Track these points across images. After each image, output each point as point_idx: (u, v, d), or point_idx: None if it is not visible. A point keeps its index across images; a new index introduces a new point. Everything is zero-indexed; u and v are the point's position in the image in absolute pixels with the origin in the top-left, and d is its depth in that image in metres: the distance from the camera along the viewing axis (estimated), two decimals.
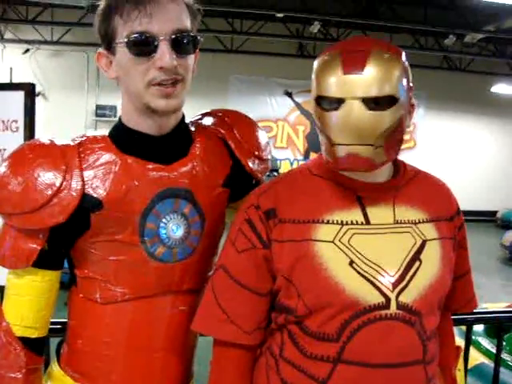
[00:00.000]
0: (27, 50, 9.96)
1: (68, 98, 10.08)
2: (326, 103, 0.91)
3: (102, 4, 0.98)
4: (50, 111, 9.38)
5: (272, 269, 0.96)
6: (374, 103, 0.88)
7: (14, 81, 8.89)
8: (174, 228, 1.03)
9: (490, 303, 3.88)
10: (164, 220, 1.02)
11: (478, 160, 12.16)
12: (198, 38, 1.00)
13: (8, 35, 10.02)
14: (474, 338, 3.33)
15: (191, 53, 0.99)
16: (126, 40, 0.94)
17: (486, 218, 11.42)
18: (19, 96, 1.90)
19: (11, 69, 9.75)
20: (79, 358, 1.07)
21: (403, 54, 0.94)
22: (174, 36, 0.94)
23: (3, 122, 1.93)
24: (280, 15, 9.16)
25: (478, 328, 3.42)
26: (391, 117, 0.89)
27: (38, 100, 9.62)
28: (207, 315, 1.00)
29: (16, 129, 1.91)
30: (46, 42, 10.02)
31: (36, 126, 1.95)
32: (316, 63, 0.94)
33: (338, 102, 0.89)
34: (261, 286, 0.98)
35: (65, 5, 8.58)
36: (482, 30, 9.26)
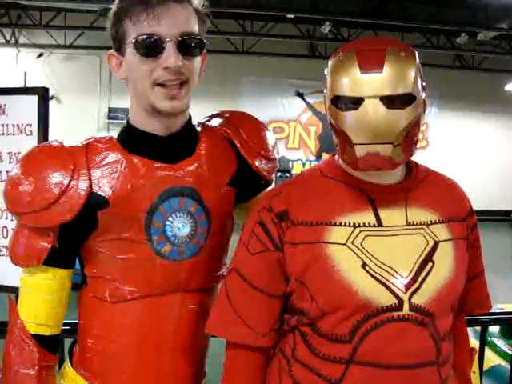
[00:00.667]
0: (41, 55, 10.10)
1: (81, 101, 10.18)
2: (344, 103, 0.91)
3: (113, 7, 1.01)
4: (63, 114, 9.48)
5: (285, 271, 0.97)
6: (392, 102, 0.88)
7: (28, 85, 9.02)
8: (180, 226, 1.05)
9: (505, 304, 3.84)
10: (170, 218, 1.04)
11: (491, 159, 12.03)
12: (205, 41, 1.02)
13: (22, 40, 10.16)
14: (489, 339, 3.30)
15: (197, 55, 1.01)
16: (134, 41, 0.97)
17: (499, 218, 11.30)
18: (33, 100, 1.92)
19: (25, 73, 9.89)
20: (90, 357, 1.09)
21: (416, 53, 0.94)
22: (180, 38, 0.97)
23: (18, 126, 1.96)
24: (290, 16, 9.16)
25: (494, 329, 3.38)
26: (410, 115, 0.90)
27: (52, 103, 9.71)
28: (221, 318, 1.01)
29: (30, 132, 1.94)
30: (59, 46, 10.15)
31: (49, 129, 1.98)
32: (330, 64, 0.94)
33: (357, 102, 0.89)
34: (274, 288, 0.98)
35: (78, 9, 8.68)
36: (495, 27, 9.17)
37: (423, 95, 0.94)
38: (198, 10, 1.02)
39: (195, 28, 1.01)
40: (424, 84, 0.94)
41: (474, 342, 2.17)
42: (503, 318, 2.03)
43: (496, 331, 3.41)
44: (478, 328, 1.92)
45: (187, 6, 1.00)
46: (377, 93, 0.87)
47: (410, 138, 0.92)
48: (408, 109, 0.89)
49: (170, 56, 0.95)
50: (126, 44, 0.99)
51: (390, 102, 0.88)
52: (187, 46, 0.98)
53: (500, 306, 3.61)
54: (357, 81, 0.88)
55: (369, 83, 0.87)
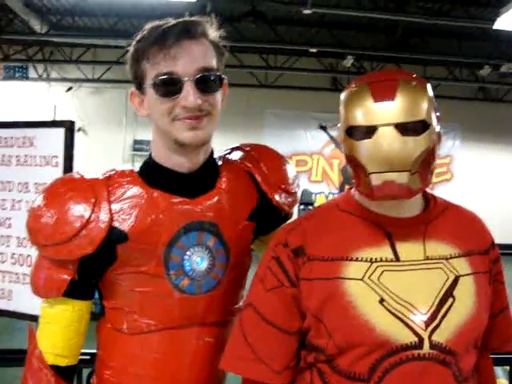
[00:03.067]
0: (70, 88, 10.43)
1: (107, 133, 10.42)
2: (358, 133, 0.91)
3: (131, 49, 1.03)
4: (89, 146, 9.71)
5: (301, 307, 0.95)
6: (406, 129, 0.88)
7: (58, 117, 9.30)
8: (198, 260, 1.05)
9: None
10: (188, 252, 1.04)
11: None
12: (223, 76, 1.03)
13: (53, 74, 10.54)
14: None
15: (216, 90, 1.02)
16: (152, 82, 0.98)
17: None
18: (60, 133, 1.98)
19: (55, 106, 10.21)
20: None
21: (428, 84, 0.95)
22: (198, 76, 0.98)
23: (44, 157, 2.01)
24: (313, 50, 9.30)
25: None
26: (425, 142, 0.89)
27: (79, 135, 10.00)
28: (236, 354, 0.98)
29: (56, 164, 1.99)
30: (87, 80, 10.47)
31: (75, 160, 2.02)
32: (344, 95, 0.95)
33: (371, 131, 0.88)
34: (290, 324, 0.96)
35: (106, 45, 8.99)
36: None
37: (437, 125, 0.93)
38: (215, 42, 1.03)
39: (213, 62, 1.01)
40: (438, 114, 0.94)
41: (504, 383, 2.08)
42: None
43: None
44: (508, 367, 1.84)
45: (203, 41, 1.01)
46: (390, 120, 0.87)
47: (426, 166, 0.91)
48: (422, 136, 0.89)
49: (189, 95, 0.96)
50: (145, 84, 1.01)
51: (404, 129, 0.87)
52: (205, 82, 0.99)
53: None
54: (370, 110, 0.89)
55: (382, 111, 0.88)
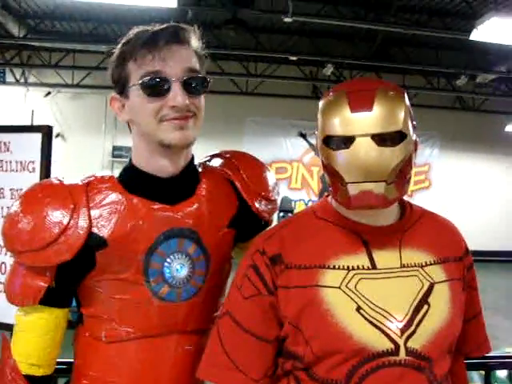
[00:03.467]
0: (48, 93, 10.29)
1: (86, 139, 10.31)
2: (335, 143, 0.91)
3: (116, 51, 1.03)
4: (68, 152, 9.59)
5: (278, 315, 0.95)
6: (384, 140, 0.88)
7: (35, 122, 9.16)
8: (178, 268, 1.04)
9: None
10: (168, 260, 1.03)
11: (494, 199, 12.01)
12: (208, 78, 1.04)
13: (32, 79, 10.39)
14: None
15: (201, 93, 1.03)
16: (140, 82, 0.98)
17: (505, 259, 11.18)
18: (37, 138, 1.95)
19: (33, 111, 10.06)
20: None
21: (405, 93, 0.95)
22: (185, 77, 0.98)
23: (21, 162, 1.98)
24: (293, 58, 9.37)
25: (502, 374, 3.28)
26: (401, 152, 0.90)
27: (57, 141, 9.87)
28: (212, 362, 0.98)
29: (33, 169, 1.95)
30: (66, 85, 10.35)
31: (53, 166, 1.99)
32: (321, 104, 0.96)
33: (348, 141, 0.89)
34: (267, 332, 0.96)
35: (86, 50, 8.92)
36: (494, 70, 9.34)
37: (413, 134, 0.94)
38: (197, 51, 1.05)
39: (197, 66, 1.03)
40: (414, 123, 0.95)
41: None
42: (509, 363, 1.97)
43: (504, 376, 3.31)
44: (483, 372, 1.86)
45: (188, 48, 1.02)
46: (367, 131, 0.88)
47: (402, 175, 0.92)
48: (399, 146, 0.89)
49: (177, 95, 0.97)
50: (129, 86, 1.01)
51: (382, 140, 0.88)
52: (192, 84, 1.00)
53: (508, 349, 3.53)
54: (347, 120, 0.89)
55: (359, 122, 0.88)
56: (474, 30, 6.30)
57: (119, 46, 1.03)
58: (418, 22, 7.89)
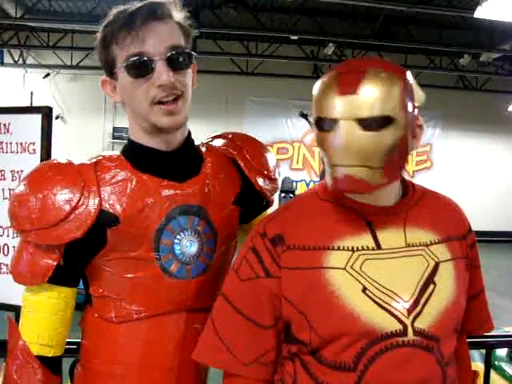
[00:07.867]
0: (47, 75, 10.22)
1: (86, 121, 10.27)
2: (324, 124, 0.90)
3: (99, 35, 1.03)
4: (68, 133, 9.57)
5: (275, 303, 0.93)
6: (370, 124, 0.86)
7: (34, 104, 9.11)
8: (188, 244, 1.05)
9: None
10: (178, 236, 1.04)
11: (496, 179, 12.01)
12: (193, 53, 1.03)
13: (30, 60, 10.31)
14: (497, 363, 3.23)
15: (187, 68, 1.02)
16: (124, 64, 0.98)
17: (506, 239, 11.22)
18: (37, 119, 1.93)
19: (32, 93, 10.00)
20: (93, 378, 1.07)
21: (407, 72, 0.92)
22: (168, 54, 0.98)
23: (21, 144, 1.97)
24: (294, 37, 9.27)
25: (502, 353, 3.32)
26: (388, 138, 0.87)
27: (57, 123, 9.83)
28: (206, 344, 0.98)
29: (33, 151, 1.94)
30: (65, 67, 10.28)
31: (53, 147, 1.98)
32: (316, 85, 0.94)
33: (335, 123, 0.88)
34: (262, 317, 0.95)
35: (85, 30, 8.82)
36: (497, 49, 9.24)
37: (412, 117, 0.90)
38: (181, 23, 1.04)
39: (181, 41, 1.02)
40: (416, 105, 0.92)
41: (481, 366, 2.13)
42: (509, 341, 1.99)
43: (504, 355, 3.34)
44: (483, 351, 1.88)
45: (169, 22, 1.01)
46: (351, 115, 0.86)
47: (391, 161, 0.89)
48: (386, 131, 0.86)
49: (162, 73, 0.96)
50: (116, 69, 1.01)
51: (368, 124, 0.86)
52: (176, 60, 0.99)
53: (507, 329, 3.56)
54: (334, 103, 0.88)
55: (344, 105, 0.87)
56: (478, 8, 6.22)
57: (101, 28, 1.03)
58: (421, 0, 7.77)
